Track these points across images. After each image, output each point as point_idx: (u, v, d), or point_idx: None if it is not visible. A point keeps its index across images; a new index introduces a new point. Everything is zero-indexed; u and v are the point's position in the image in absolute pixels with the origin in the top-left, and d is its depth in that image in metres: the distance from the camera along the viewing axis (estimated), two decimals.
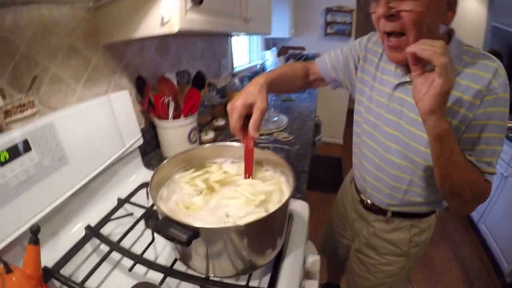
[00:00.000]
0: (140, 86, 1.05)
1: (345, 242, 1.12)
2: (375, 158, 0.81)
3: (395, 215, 0.85)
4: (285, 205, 0.53)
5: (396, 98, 0.72)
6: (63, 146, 0.67)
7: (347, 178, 1.10)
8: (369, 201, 0.90)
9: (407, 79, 0.68)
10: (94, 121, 0.76)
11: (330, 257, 1.34)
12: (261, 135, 1.36)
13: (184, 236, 0.41)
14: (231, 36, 1.93)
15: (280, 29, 2.66)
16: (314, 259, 0.68)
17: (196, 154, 0.71)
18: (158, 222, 0.44)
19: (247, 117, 0.62)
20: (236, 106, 0.61)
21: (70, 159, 0.69)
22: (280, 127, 1.43)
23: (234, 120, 0.61)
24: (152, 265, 0.57)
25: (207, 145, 0.72)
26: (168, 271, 0.56)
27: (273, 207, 0.55)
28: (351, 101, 0.99)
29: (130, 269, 0.57)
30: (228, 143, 0.72)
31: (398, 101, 0.71)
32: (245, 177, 0.64)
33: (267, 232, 0.53)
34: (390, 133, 0.74)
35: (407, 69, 0.69)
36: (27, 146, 0.60)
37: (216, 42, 1.72)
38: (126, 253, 0.60)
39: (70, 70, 0.79)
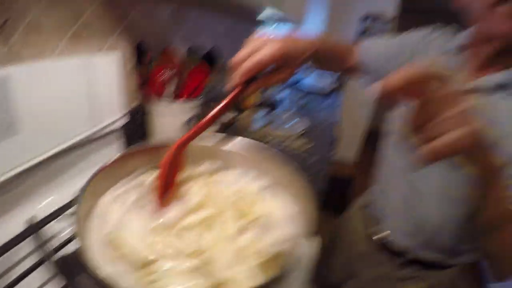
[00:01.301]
0: (142, 56, 0.88)
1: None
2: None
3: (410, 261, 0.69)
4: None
5: None
6: (14, 110, 0.51)
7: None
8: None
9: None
10: (64, 85, 0.59)
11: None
12: (266, 142, 1.12)
13: None
14: (259, 23, 1.75)
15: (312, 29, 2.48)
16: None
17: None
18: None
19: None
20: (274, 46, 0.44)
21: (21, 129, 0.52)
22: (296, 133, 1.21)
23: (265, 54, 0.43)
24: None
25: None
26: None
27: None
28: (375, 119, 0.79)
29: None
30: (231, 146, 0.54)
31: None
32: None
33: None
34: None
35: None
36: None
37: (241, 26, 1.54)
38: (56, 271, 0.43)
39: (54, 20, 0.63)
